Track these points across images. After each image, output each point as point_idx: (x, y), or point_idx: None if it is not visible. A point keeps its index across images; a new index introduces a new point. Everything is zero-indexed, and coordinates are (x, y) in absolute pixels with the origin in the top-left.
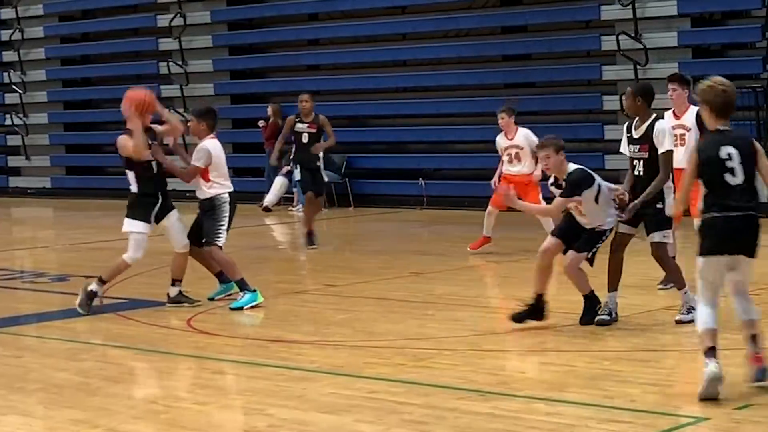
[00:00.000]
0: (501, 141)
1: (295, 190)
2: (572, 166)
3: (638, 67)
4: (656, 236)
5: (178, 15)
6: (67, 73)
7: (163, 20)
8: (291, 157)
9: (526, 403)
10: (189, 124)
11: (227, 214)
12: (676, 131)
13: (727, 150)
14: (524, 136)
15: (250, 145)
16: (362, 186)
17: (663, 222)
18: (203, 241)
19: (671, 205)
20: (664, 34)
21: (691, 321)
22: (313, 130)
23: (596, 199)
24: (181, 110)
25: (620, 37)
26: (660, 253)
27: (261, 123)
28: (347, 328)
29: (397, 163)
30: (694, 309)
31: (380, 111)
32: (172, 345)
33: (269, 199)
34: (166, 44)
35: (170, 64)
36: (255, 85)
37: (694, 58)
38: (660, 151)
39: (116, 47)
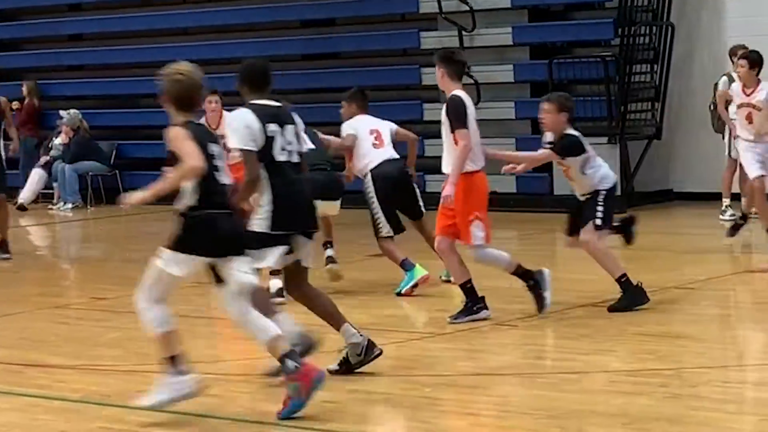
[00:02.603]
0: None
1: (55, 184)
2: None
3: (464, 33)
4: None
5: None
6: None
7: None
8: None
9: None
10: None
11: None
12: None
13: None
14: None
15: None
16: None
17: None
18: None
19: None
20: None
21: None
22: None
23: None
24: None
25: None
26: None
27: (15, 104)
28: (118, 348)
29: None
30: None
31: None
32: None
33: (25, 196)
34: None
35: None
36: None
37: (531, 22)
38: None
39: None
